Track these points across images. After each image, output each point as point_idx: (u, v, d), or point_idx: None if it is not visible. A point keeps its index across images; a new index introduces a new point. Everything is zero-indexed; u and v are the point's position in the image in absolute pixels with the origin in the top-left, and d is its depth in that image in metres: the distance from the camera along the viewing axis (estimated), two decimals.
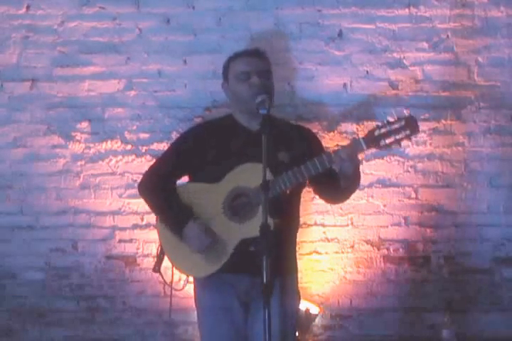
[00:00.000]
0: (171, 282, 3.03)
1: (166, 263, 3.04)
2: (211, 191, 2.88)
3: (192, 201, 2.93)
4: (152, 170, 3.09)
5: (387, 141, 2.69)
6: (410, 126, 2.68)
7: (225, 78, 3.00)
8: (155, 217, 3.07)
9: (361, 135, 2.75)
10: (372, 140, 2.70)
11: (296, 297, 3.00)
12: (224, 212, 2.85)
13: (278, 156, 2.85)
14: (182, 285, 3.03)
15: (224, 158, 2.88)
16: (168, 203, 2.95)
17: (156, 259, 3.06)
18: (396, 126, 2.68)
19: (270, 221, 2.66)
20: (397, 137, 2.69)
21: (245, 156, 2.80)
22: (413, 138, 2.76)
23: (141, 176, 3.82)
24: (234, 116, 3.00)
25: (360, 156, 2.80)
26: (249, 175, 2.73)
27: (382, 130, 2.69)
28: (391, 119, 2.71)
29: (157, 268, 3.05)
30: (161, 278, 3.07)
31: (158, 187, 3.01)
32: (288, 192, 2.80)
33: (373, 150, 2.77)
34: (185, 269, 2.97)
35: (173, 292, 3.07)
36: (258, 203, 2.71)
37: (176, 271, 3.01)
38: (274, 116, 3.01)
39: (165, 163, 3.05)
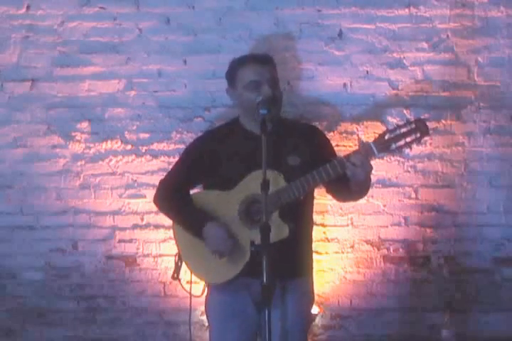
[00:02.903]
0: (190, 287, 3.04)
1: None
2: (225, 198, 2.89)
3: (207, 208, 2.93)
4: (164, 181, 3.11)
5: (398, 144, 2.67)
6: (420, 128, 2.66)
7: (231, 84, 2.96)
8: (172, 224, 3.08)
9: (368, 138, 2.73)
10: (383, 144, 2.68)
11: (308, 299, 3.02)
12: (240, 218, 2.86)
13: (288, 160, 2.86)
14: (201, 291, 3.02)
15: (234, 164, 2.88)
16: (185, 208, 2.97)
17: (174, 267, 3.06)
18: (406, 129, 2.66)
19: (285, 227, 2.68)
20: (408, 140, 2.66)
21: (256, 162, 2.77)
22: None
23: (141, 176, 3.88)
24: (240, 121, 3.00)
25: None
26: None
27: (392, 134, 2.67)
28: (400, 123, 2.69)
29: (176, 275, 3.05)
30: (162, 278, 3.07)
31: (172, 196, 3.03)
32: (302, 197, 2.80)
33: (384, 154, 2.77)
34: (204, 276, 2.97)
35: (174, 292, 3.07)
36: (272, 209, 2.71)
37: (194, 278, 3.02)
38: (284, 118, 3.01)
39: (176, 174, 3.07)
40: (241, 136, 2.95)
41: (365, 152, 2.69)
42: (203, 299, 3.23)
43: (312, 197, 3.01)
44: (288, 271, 2.82)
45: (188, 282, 3.05)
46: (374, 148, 2.68)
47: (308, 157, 2.86)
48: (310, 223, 3.03)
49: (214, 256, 2.87)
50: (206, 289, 3.02)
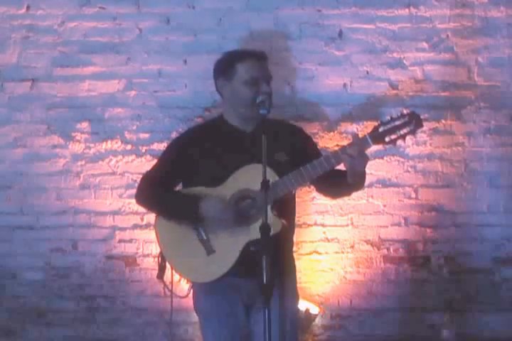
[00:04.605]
0: (172, 287, 2.99)
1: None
2: (213, 194, 2.84)
3: None
4: (146, 178, 3.05)
5: (392, 136, 2.71)
6: (414, 121, 2.71)
7: (225, 76, 2.90)
8: (154, 223, 3.02)
9: (364, 133, 2.75)
10: (378, 136, 2.71)
11: (296, 297, 2.99)
12: None
13: (275, 156, 2.83)
14: (187, 292, 2.99)
15: (220, 161, 2.85)
16: (170, 196, 2.92)
17: (158, 267, 3.01)
18: (400, 121, 2.71)
19: (278, 221, 2.68)
20: (402, 132, 2.71)
21: (243, 158, 2.78)
22: (413, 138, 2.77)
23: (141, 176, 3.85)
24: (225, 118, 2.97)
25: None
26: (251, 177, 2.67)
27: (387, 126, 2.71)
28: (394, 115, 2.72)
29: (160, 275, 3.01)
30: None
31: (154, 190, 2.96)
32: (295, 191, 2.80)
33: (378, 146, 2.80)
34: (189, 275, 2.92)
35: (174, 292, 3.04)
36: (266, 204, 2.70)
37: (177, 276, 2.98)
38: (268, 117, 3.00)
39: (158, 171, 3.01)
40: (227, 132, 2.92)
41: (361, 144, 2.71)
42: None
43: (294, 202, 2.98)
44: (276, 268, 2.77)
45: (170, 282, 3.00)
46: (369, 140, 2.71)
47: (295, 154, 2.86)
48: (293, 221, 2.99)
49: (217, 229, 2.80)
50: (192, 289, 2.97)
